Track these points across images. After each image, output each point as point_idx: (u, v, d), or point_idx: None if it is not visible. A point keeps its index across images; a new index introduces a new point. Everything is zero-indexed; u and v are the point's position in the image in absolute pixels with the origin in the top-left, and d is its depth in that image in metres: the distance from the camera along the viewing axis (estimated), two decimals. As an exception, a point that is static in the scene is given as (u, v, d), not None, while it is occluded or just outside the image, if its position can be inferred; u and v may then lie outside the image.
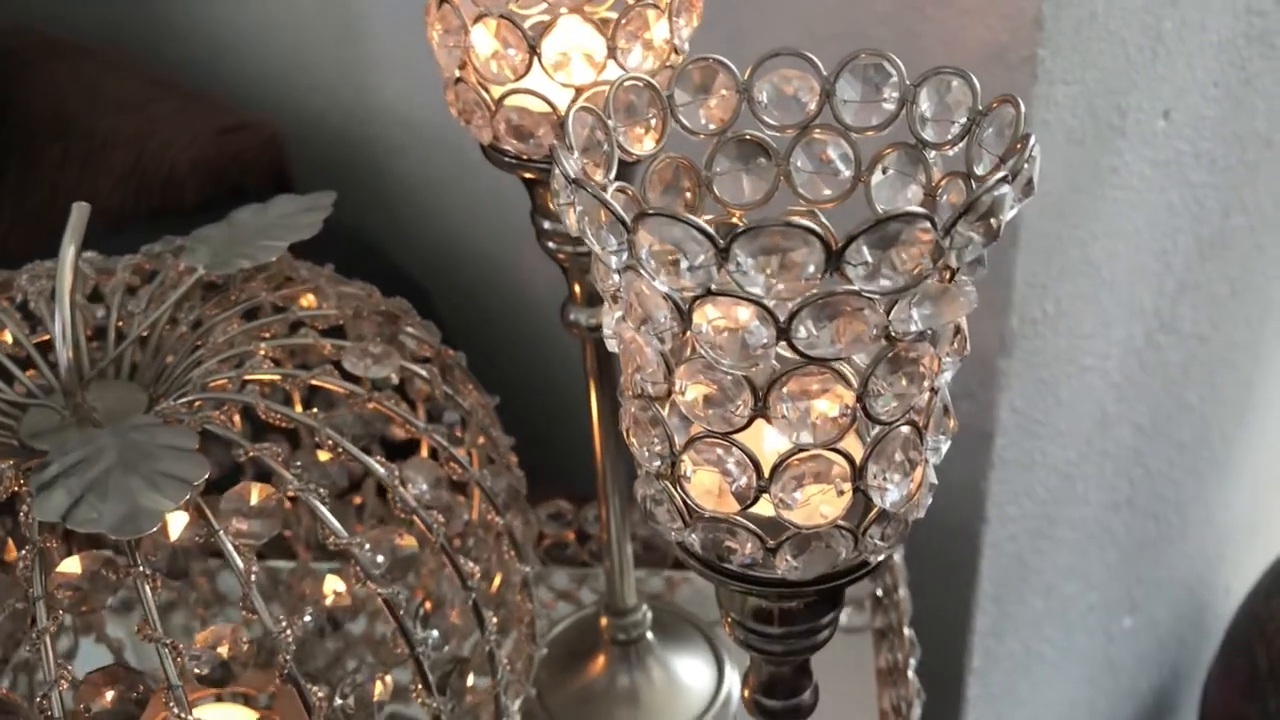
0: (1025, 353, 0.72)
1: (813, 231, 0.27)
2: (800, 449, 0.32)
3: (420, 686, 0.43)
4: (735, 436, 0.32)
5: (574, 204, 0.30)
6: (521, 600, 0.50)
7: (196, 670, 0.38)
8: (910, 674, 0.56)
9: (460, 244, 1.02)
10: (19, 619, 0.38)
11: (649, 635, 0.60)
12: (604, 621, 0.59)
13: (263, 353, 0.46)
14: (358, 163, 1.03)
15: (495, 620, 0.46)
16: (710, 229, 0.27)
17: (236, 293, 0.49)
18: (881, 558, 0.35)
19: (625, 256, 0.30)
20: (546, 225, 0.47)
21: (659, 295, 0.30)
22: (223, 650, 0.38)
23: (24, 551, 0.38)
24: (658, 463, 0.34)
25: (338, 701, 0.41)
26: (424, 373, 0.48)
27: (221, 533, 0.40)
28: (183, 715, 0.38)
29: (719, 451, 0.33)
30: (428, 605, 0.44)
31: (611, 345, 0.34)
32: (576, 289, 0.49)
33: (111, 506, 0.37)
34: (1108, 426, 0.87)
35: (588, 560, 0.69)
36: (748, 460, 0.32)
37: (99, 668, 0.38)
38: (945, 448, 0.35)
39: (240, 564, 0.40)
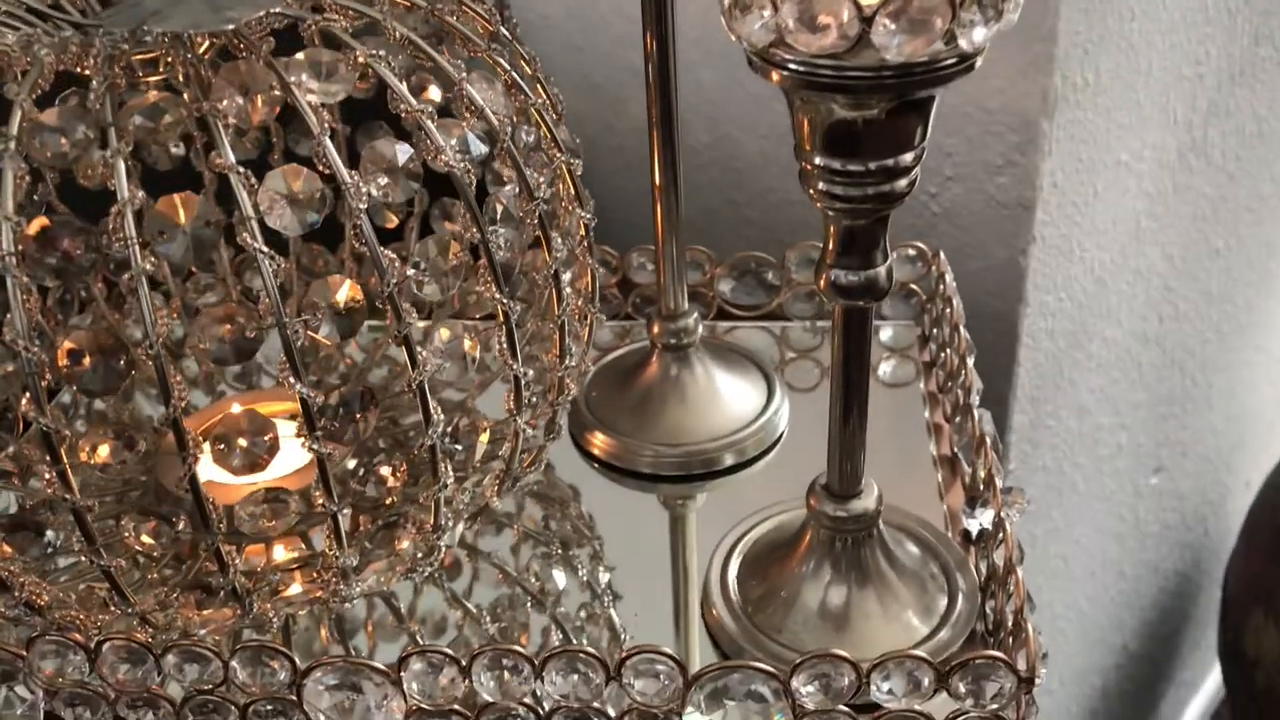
0: (1067, 122, 0.72)
1: None
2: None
3: (490, 279, 0.42)
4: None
5: None
6: (582, 255, 0.49)
7: (265, 209, 0.38)
8: (969, 366, 0.55)
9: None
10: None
11: (700, 346, 0.59)
12: (655, 329, 0.58)
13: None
14: None
15: (561, 243, 0.45)
16: None
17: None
18: (974, 44, 0.35)
19: None
20: None
21: None
22: (296, 185, 0.37)
23: (94, 83, 0.38)
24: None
25: (410, 272, 0.40)
26: (484, 13, 0.48)
27: (293, 86, 0.39)
28: (258, 247, 0.37)
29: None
30: (498, 201, 0.43)
31: None
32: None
33: (181, 18, 0.36)
34: (1141, 243, 0.87)
35: (631, 313, 0.68)
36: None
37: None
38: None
39: (313, 119, 0.39)
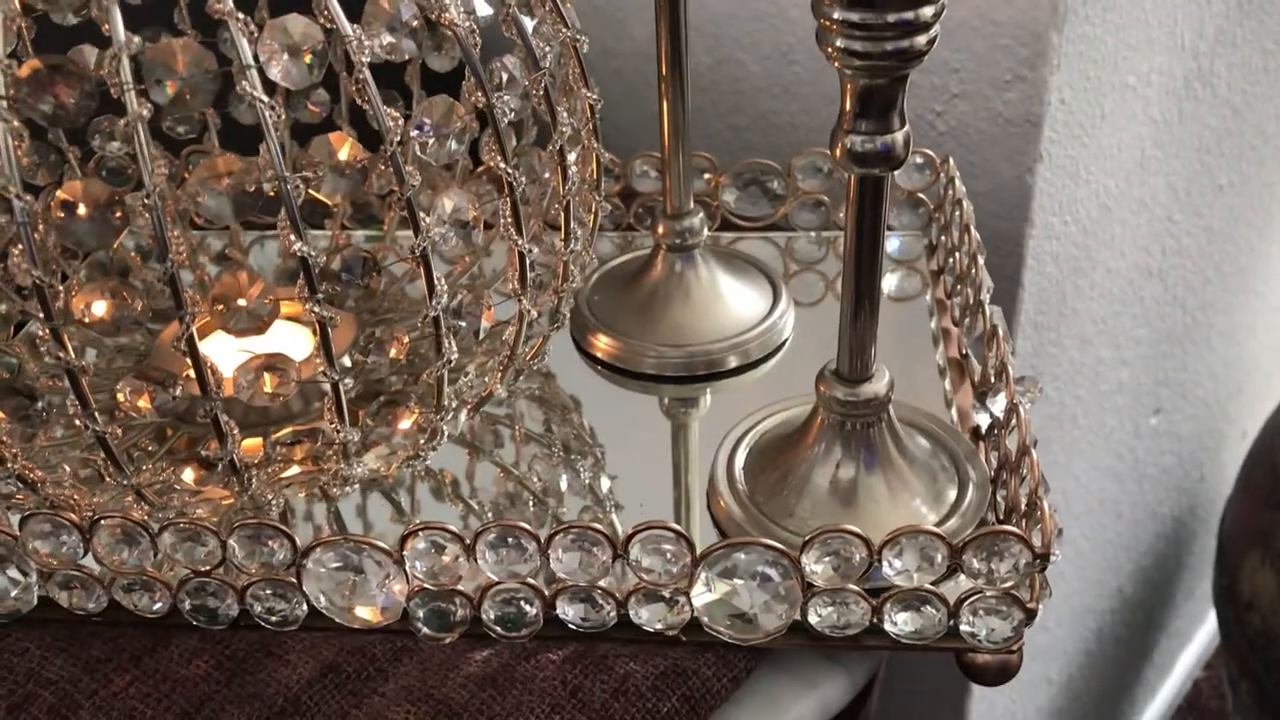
0: (1076, 37, 0.70)
1: None
2: None
3: (493, 145, 0.41)
4: None
5: None
6: (587, 139, 0.48)
7: (265, 59, 0.36)
8: (980, 264, 0.54)
9: None
10: None
11: (705, 248, 0.58)
12: (660, 229, 0.57)
13: None
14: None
15: (567, 118, 0.44)
16: None
17: None
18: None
19: None
20: None
21: None
22: (296, 34, 0.36)
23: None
24: None
25: (413, 133, 0.39)
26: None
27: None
28: (258, 95, 0.36)
29: None
30: (503, 70, 0.42)
31: None
32: None
33: None
34: (1146, 173, 0.86)
35: (634, 224, 0.67)
36: None
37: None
38: None
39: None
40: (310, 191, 0.38)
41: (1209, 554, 1.37)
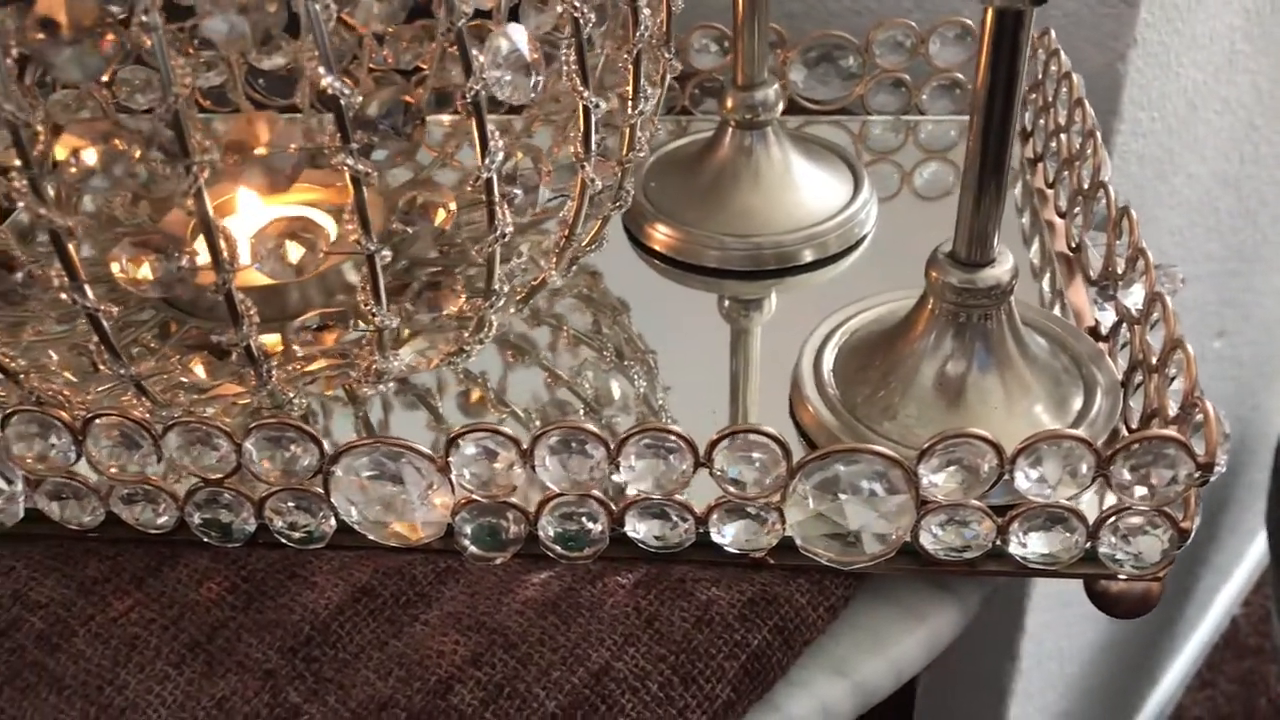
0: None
1: None
2: None
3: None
4: None
5: None
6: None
7: None
8: (1098, 140, 0.48)
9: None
10: None
11: (778, 126, 0.51)
12: (729, 102, 0.50)
13: None
14: None
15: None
16: None
17: None
18: None
19: None
20: None
21: None
22: None
23: None
24: None
25: None
26: None
27: None
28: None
29: None
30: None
31: None
32: None
33: None
34: (1234, 70, 0.79)
35: (689, 106, 0.60)
36: None
37: None
38: None
39: None
40: (344, 16, 0.31)
41: (1257, 487, 1.32)
